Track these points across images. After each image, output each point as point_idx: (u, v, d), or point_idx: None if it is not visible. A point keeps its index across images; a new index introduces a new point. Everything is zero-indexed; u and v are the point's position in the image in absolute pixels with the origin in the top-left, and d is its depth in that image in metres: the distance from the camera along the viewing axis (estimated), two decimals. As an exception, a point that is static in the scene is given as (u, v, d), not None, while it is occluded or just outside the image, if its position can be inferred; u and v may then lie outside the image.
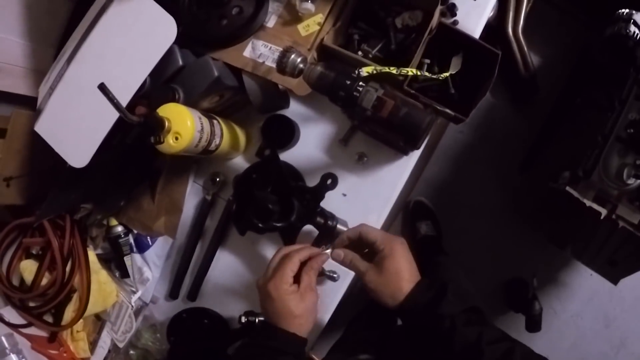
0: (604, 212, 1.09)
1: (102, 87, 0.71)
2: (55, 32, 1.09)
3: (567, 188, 1.11)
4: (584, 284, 1.61)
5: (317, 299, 0.77)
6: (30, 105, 1.06)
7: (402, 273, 0.72)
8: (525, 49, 1.47)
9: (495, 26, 1.42)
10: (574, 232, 1.20)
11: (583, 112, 1.42)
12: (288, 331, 0.72)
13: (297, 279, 0.76)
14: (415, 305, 0.70)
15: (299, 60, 0.79)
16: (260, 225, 0.81)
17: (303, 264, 0.77)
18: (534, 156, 1.53)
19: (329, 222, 0.88)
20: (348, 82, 0.75)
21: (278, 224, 0.85)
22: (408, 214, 1.68)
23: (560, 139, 1.50)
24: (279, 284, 0.73)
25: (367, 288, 0.75)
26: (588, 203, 1.10)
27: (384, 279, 0.72)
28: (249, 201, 0.83)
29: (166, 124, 0.77)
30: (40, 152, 1.08)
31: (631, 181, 1.02)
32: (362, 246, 0.79)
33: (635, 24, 1.13)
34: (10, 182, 1.06)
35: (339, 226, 0.89)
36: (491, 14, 1.39)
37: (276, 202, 0.83)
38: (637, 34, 1.13)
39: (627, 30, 1.13)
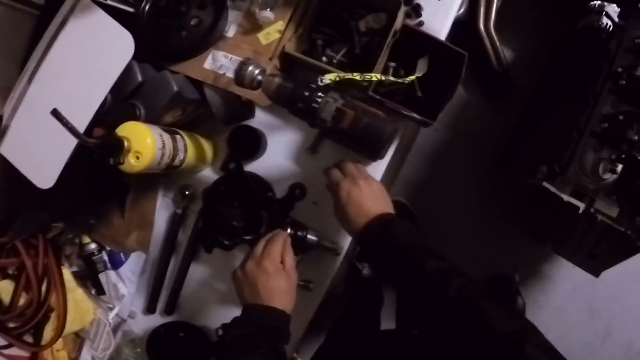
0: (582, 206, 1.08)
1: (55, 113, 0.70)
2: (19, 48, 1.07)
3: (544, 183, 1.10)
4: (567, 277, 1.61)
5: (296, 275, 0.80)
6: (-1, 123, 1.06)
7: (353, 216, 0.75)
8: (498, 44, 1.45)
9: (466, 22, 1.40)
10: (553, 227, 1.19)
11: (559, 105, 1.41)
12: (277, 308, 0.74)
13: None
14: (369, 237, 0.73)
15: (257, 72, 0.78)
16: (225, 242, 0.80)
17: None
18: (511, 151, 1.52)
19: (299, 233, 0.87)
20: (307, 94, 0.75)
21: (247, 237, 0.84)
22: None
23: (537, 133, 1.48)
24: (272, 260, 0.76)
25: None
26: (566, 198, 1.09)
27: (340, 217, 0.78)
28: (215, 216, 0.83)
29: (125, 144, 0.76)
30: (10, 170, 1.07)
31: (607, 176, 1.01)
32: None
33: (607, 15, 1.11)
34: (-19, 200, 1.05)
35: (309, 236, 0.88)
36: (461, 10, 1.37)
37: (241, 217, 0.82)
38: (610, 26, 1.11)
39: (600, 23, 1.11)
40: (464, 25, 1.39)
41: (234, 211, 0.82)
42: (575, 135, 1.06)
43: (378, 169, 0.92)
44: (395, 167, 1.49)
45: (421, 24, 0.92)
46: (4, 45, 1.06)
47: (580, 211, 1.08)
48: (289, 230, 0.86)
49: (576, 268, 1.51)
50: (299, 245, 0.88)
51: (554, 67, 1.38)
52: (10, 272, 1.06)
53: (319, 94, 0.74)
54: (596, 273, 1.16)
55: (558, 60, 1.37)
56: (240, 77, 0.78)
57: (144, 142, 0.77)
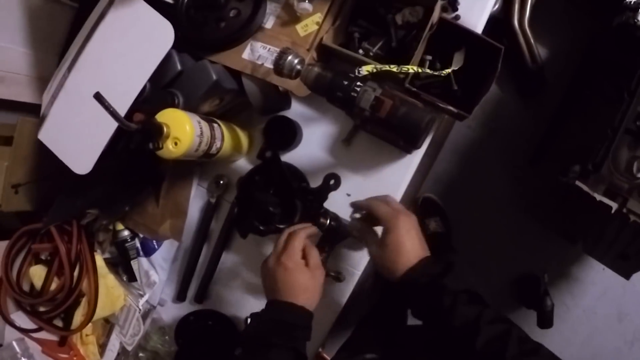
0: (614, 206, 1.07)
1: (98, 96, 0.71)
2: (58, 40, 1.09)
3: (577, 182, 1.09)
4: (597, 279, 1.58)
5: (323, 275, 0.78)
6: (36, 112, 1.07)
7: (402, 248, 0.72)
8: (532, 41, 1.44)
9: (501, 19, 1.40)
10: (585, 227, 1.18)
11: (592, 104, 1.39)
12: (297, 304, 0.73)
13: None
14: (416, 279, 0.70)
15: (296, 61, 0.78)
16: (261, 227, 0.81)
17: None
18: (543, 150, 1.50)
19: (333, 223, 0.87)
20: (345, 83, 0.75)
21: (281, 226, 0.85)
22: (417, 211, 1.67)
23: (569, 132, 1.47)
24: (291, 255, 0.75)
25: (373, 261, 0.78)
26: (598, 197, 1.08)
27: (385, 254, 0.73)
28: (250, 204, 0.83)
29: (165, 129, 0.77)
30: (46, 158, 1.09)
31: (641, 175, 0.99)
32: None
33: (643, 13, 1.10)
34: (18, 189, 1.07)
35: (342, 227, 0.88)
36: (496, 6, 1.36)
37: (278, 204, 0.82)
38: (645, 24, 1.10)
39: (635, 20, 1.10)
40: (498, 22, 1.39)
41: (270, 197, 0.82)
42: (609, 133, 1.05)
43: (412, 161, 0.92)
44: (427, 163, 1.49)
45: (457, 17, 0.92)
46: (42, 36, 1.08)
47: (612, 211, 1.07)
48: (323, 220, 0.86)
49: (606, 271, 1.50)
50: (332, 236, 0.89)
51: (588, 65, 1.37)
52: (43, 257, 1.08)
53: (358, 83, 0.74)
54: (627, 275, 1.15)
55: (592, 59, 1.35)
56: (279, 66, 0.78)
57: (182, 129, 0.78)
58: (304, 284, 0.74)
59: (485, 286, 1.54)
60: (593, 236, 1.15)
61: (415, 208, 1.66)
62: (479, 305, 0.68)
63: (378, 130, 0.82)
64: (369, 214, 0.81)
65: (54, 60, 1.09)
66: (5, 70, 1.04)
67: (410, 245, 0.73)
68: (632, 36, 1.12)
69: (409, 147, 0.77)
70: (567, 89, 1.44)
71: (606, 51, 1.27)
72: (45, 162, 1.09)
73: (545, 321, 1.47)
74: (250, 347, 0.74)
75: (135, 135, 0.97)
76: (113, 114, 0.70)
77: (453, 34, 0.88)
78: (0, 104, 1.06)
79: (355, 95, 0.74)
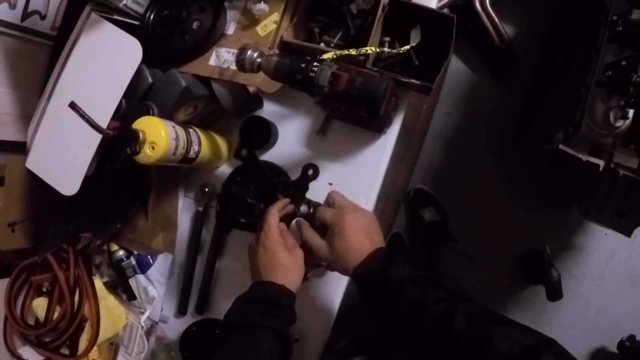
0: (601, 163, 1.07)
1: (73, 105, 0.74)
2: (38, 78, 1.13)
3: (561, 146, 1.10)
4: (600, 245, 1.56)
5: (302, 255, 0.79)
6: (24, 151, 1.11)
7: (349, 249, 0.74)
8: (497, 20, 1.47)
9: (463, 4, 1.43)
10: (577, 191, 1.17)
11: (566, 71, 1.40)
12: (277, 283, 0.74)
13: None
14: (364, 275, 0.72)
15: (255, 54, 0.81)
16: (242, 220, 0.82)
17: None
18: (525, 124, 1.51)
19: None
20: (303, 65, 0.77)
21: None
22: (409, 204, 1.68)
23: (549, 103, 1.47)
24: (267, 232, 0.77)
25: (327, 267, 0.82)
26: (584, 157, 1.08)
27: (335, 256, 0.75)
28: (229, 199, 0.85)
29: (140, 135, 0.80)
30: (39, 194, 1.12)
31: (620, 123, 0.99)
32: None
33: (599, -28, 1.12)
34: (14, 227, 1.10)
35: None
36: (456, -8, 1.40)
37: (256, 197, 0.84)
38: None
39: (597, -22, 1.12)
40: (461, 8, 1.42)
41: (248, 191, 0.84)
42: (583, 92, 1.06)
43: (388, 142, 0.94)
44: (413, 154, 1.50)
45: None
46: (22, 75, 1.12)
47: (600, 168, 1.07)
48: (306, 209, 0.87)
49: (608, 236, 1.48)
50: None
51: (556, 34, 1.39)
52: (44, 289, 1.10)
53: (315, 63, 0.77)
54: (628, 232, 1.13)
55: (559, 27, 1.37)
56: (240, 61, 0.81)
57: (157, 133, 0.81)
58: (281, 260, 0.75)
59: (488, 268, 1.53)
60: (586, 198, 1.15)
61: (407, 202, 1.67)
62: (425, 287, 0.67)
63: (340, 106, 0.84)
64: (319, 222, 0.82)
65: (36, 98, 1.13)
66: (-9, 112, 1.09)
67: (358, 244, 0.74)
68: (592, -4, 1.14)
69: (371, 116, 0.78)
70: (540, 61, 1.46)
71: (572, 14, 1.29)
72: (39, 197, 1.13)
73: (555, 293, 1.44)
74: (230, 330, 0.73)
75: (120, 155, 1.02)
76: (88, 121, 0.73)
77: (407, 12, 0.91)
78: (-14, 145, 1.10)
79: (314, 74, 0.76)
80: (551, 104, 1.42)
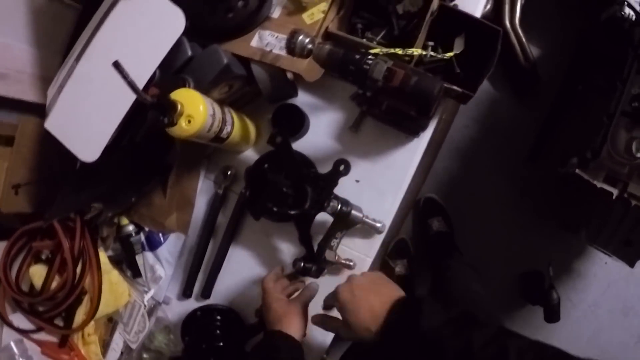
0: (615, 192, 1.09)
1: (117, 65, 0.71)
2: (61, 40, 1.10)
3: (577, 171, 1.12)
4: (599, 273, 1.59)
5: (302, 315, 0.82)
6: (38, 112, 1.07)
7: (358, 321, 0.67)
8: (524, 39, 1.50)
9: (492, 19, 1.45)
10: (587, 216, 1.19)
11: (586, 98, 1.44)
12: (275, 330, 0.78)
13: None
14: (392, 332, 0.65)
15: (307, 40, 0.80)
16: (274, 209, 0.80)
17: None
18: (540, 145, 1.53)
19: (344, 208, 0.87)
20: (357, 57, 0.76)
21: (292, 212, 0.84)
22: (419, 212, 1.69)
23: (565, 127, 1.50)
24: (267, 278, 0.86)
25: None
26: (599, 184, 1.10)
27: (355, 331, 0.68)
28: (263, 186, 0.83)
29: (179, 106, 0.78)
30: (47, 159, 1.08)
31: (640, 154, 1.02)
32: None
33: (629, 5, 1.15)
34: (18, 189, 1.05)
35: (353, 212, 0.88)
36: (487, 7, 1.42)
37: (290, 186, 0.82)
38: (632, 15, 1.16)
39: (622, 13, 1.15)
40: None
41: (283, 179, 0.82)
42: (605, 120, 1.08)
43: (419, 145, 0.94)
44: (427, 162, 1.51)
45: (455, 6, 0.96)
46: (46, 35, 1.09)
47: (614, 197, 1.09)
48: (334, 205, 0.85)
49: (609, 264, 1.51)
50: (343, 222, 0.88)
51: (579, 60, 1.42)
52: (43, 257, 1.06)
53: (370, 56, 0.76)
54: (631, 262, 1.16)
55: (583, 54, 1.41)
56: (291, 45, 0.79)
57: (196, 107, 0.79)
58: (277, 309, 0.82)
59: (488, 284, 1.54)
60: (596, 225, 1.17)
61: (417, 209, 1.67)
62: (465, 331, 0.62)
63: (389, 102, 0.83)
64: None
65: (57, 60, 1.09)
66: (9, 68, 1.04)
67: (367, 304, 0.68)
68: (620, 28, 1.18)
69: (421, 117, 0.78)
70: (561, 85, 1.49)
71: (596, 45, 1.32)
72: (47, 163, 1.09)
73: (553, 315, 1.46)
74: None
75: (142, 128, 0.98)
76: (130, 83, 0.71)
77: (453, 20, 0.91)
78: (2, 102, 1.06)
79: (368, 67, 0.75)
80: (568, 128, 1.45)
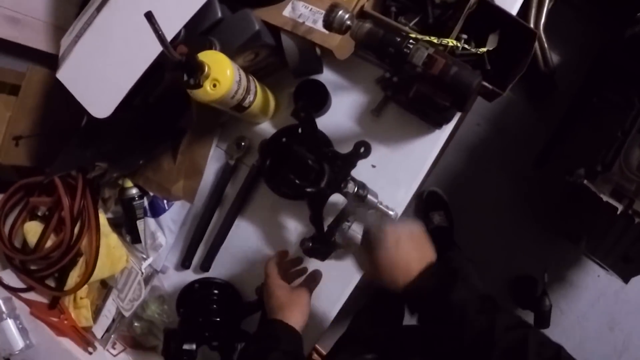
0: (620, 207, 1.10)
1: (149, 16, 0.68)
2: (79, -11, 1.06)
3: (585, 182, 1.12)
4: (591, 285, 1.61)
5: (307, 302, 0.80)
6: (48, 63, 1.03)
7: (396, 264, 0.68)
8: (546, 45, 1.50)
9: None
10: (588, 228, 1.20)
11: (599, 111, 1.45)
12: (276, 319, 0.75)
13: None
14: (420, 293, 0.66)
15: (346, 16, 0.77)
16: (297, 181, 0.78)
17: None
18: (549, 152, 1.54)
19: (360, 191, 0.85)
20: (398, 39, 0.75)
21: (308, 189, 0.82)
22: (421, 204, 1.69)
23: (575, 137, 1.52)
24: (270, 262, 0.82)
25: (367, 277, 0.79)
26: (605, 198, 1.11)
27: (379, 270, 0.70)
28: (285, 158, 0.81)
29: (206, 68, 0.75)
30: (54, 113, 1.04)
31: (653, 173, 1.03)
32: None
33: (655, 25, 1.16)
34: (19, 141, 1.01)
35: (369, 196, 0.87)
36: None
37: (315, 161, 0.80)
38: (656, 35, 1.17)
39: (646, 32, 1.16)
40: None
41: (308, 153, 0.80)
42: (619, 135, 1.08)
43: (440, 137, 0.93)
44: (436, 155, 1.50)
45: (493, 1, 0.95)
46: (61, -17, 1.04)
47: (618, 212, 1.10)
48: (351, 186, 0.83)
49: (601, 278, 1.53)
50: (357, 205, 0.87)
51: (597, 73, 1.43)
52: (39, 213, 1.01)
53: (411, 40, 0.74)
54: (626, 278, 1.17)
55: (601, 67, 1.42)
56: (330, 19, 0.77)
57: (223, 71, 0.76)
58: (280, 297, 0.79)
59: (484, 287, 1.55)
60: (597, 236, 1.17)
61: (419, 201, 1.67)
62: (491, 313, 0.62)
63: (426, 88, 0.81)
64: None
65: (73, 10, 1.05)
66: (21, 13, 0.99)
67: (405, 255, 0.69)
68: (642, 47, 1.19)
69: (456, 108, 0.76)
70: (576, 96, 1.50)
71: (617, 60, 1.33)
72: (52, 117, 1.05)
73: (543, 321, 1.48)
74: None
75: (156, 88, 0.95)
76: (161, 37, 0.67)
77: (489, 16, 0.90)
78: (11, 48, 1.01)
79: (408, 51, 0.73)
80: (577, 138, 1.46)
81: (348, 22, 0.78)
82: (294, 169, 0.79)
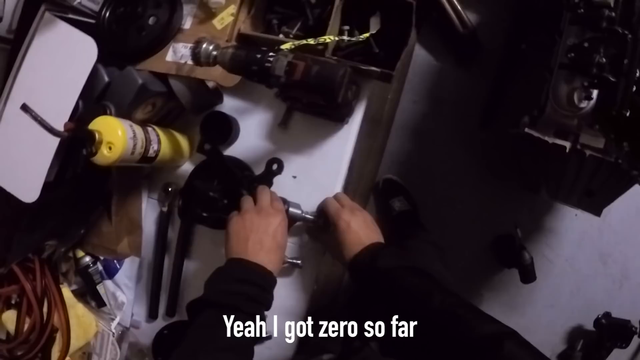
0: (567, 145, 1.07)
1: (25, 107, 0.72)
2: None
3: (527, 130, 1.09)
4: (571, 226, 1.57)
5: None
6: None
7: (345, 242, 0.81)
8: (459, 7, 1.48)
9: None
10: (545, 174, 1.18)
11: (531, 56, 1.41)
12: (264, 267, 0.74)
13: None
14: (358, 265, 0.78)
15: (211, 47, 0.80)
16: (204, 214, 0.80)
17: None
18: (491, 110, 1.51)
19: (291, 210, 0.88)
20: (259, 56, 0.76)
21: (227, 216, 0.84)
22: (379, 194, 1.68)
23: (514, 88, 1.48)
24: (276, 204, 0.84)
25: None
26: (550, 140, 1.08)
27: (332, 246, 0.85)
28: (192, 194, 0.83)
29: (96, 135, 0.78)
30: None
31: (584, 104, 1.00)
32: None
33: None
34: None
35: (291, 209, 0.88)
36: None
37: (219, 190, 0.83)
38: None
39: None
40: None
41: (211, 185, 0.83)
42: (547, 75, 1.06)
43: (350, 131, 0.93)
44: (379, 144, 1.50)
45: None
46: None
47: (567, 150, 1.07)
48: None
49: (578, 217, 1.49)
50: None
51: (519, 19, 1.40)
52: (13, 302, 1.07)
53: (270, 53, 0.76)
54: (597, 212, 1.14)
55: (522, 12, 1.38)
56: (197, 55, 0.80)
57: (114, 133, 0.79)
58: (280, 242, 0.80)
59: (462, 254, 1.55)
60: (554, 180, 1.15)
61: (376, 192, 1.66)
62: (414, 276, 0.74)
63: (299, 95, 0.83)
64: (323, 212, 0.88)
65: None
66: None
67: (353, 236, 0.81)
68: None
69: (329, 104, 0.77)
70: (503, 48, 1.46)
71: (535, 2, 1.29)
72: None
73: (528, 275, 1.45)
74: (210, 306, 0.73)
75: (80, 159, 0.99)
76: (41, 123, 0.71)
77: (366, 1, 0.91)
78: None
79: (269, 65, 0.75)
80: (516, 89, 1.43)
81: (214, 53, 0.80)
82: (199, 202, 0.82)
